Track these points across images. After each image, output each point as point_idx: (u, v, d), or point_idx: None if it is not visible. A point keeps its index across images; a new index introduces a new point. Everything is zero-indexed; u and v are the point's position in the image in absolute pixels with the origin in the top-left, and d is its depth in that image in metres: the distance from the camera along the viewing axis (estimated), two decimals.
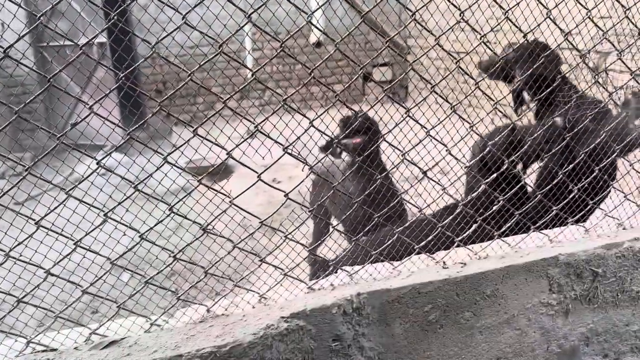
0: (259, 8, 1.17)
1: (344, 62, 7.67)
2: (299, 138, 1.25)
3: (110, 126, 1.30)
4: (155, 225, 1.27)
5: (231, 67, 1.48)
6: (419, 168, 1.31)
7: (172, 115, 1.23)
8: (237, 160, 1.29)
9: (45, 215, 1.07)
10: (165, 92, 7.53)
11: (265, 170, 1.26)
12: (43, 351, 1.08)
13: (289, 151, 1.23)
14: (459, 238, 1.41)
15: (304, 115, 1.26)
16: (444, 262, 1.38)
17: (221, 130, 1.35)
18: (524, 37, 1.41)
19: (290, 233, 1.24)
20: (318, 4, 1.35)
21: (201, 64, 1.29)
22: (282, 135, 1.26)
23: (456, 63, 1.32)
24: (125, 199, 1.17)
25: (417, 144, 1.35)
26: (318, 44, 3.09)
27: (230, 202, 1.28)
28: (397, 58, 7.97)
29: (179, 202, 1.22)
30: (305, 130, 1.23)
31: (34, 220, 1.11)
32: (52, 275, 1.05)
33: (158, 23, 1.43)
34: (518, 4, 1.40)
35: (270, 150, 1.36)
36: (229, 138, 1.29)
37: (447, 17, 1.33)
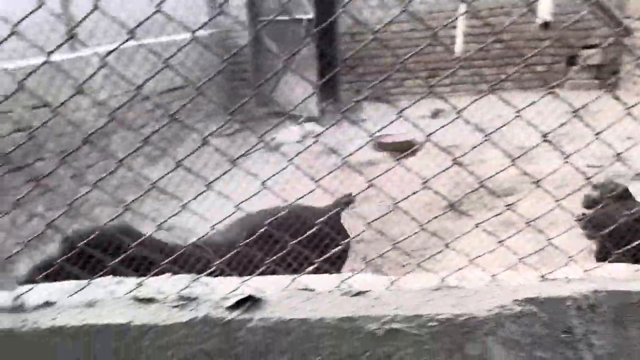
0: None
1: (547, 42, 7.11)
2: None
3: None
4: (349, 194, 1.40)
5: (433, 47, 1.49)
6: None
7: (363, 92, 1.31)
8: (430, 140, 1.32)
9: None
10: (360, 69, 7.83)
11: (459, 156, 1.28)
12: (303, 289, 1.29)
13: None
14: None
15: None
16: None
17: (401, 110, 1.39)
18: None
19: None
20: None
21: (414, 52, 1.33)
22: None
23: None
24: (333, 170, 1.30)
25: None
26: (546, 25, 2.92)
27: (423, 183, 1.33)
28: (610, 39, 7.11)
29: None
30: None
31: (254, 174, 1.29)
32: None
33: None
34: None
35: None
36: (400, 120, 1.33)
37: None
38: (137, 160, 5.24)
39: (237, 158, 1.27)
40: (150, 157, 5.20)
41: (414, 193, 1.35)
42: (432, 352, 1.18)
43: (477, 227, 1.39)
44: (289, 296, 1.27)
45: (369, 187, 1.30)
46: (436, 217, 1.62)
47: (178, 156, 6.15)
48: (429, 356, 1.18)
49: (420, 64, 7.68)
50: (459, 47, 4.56)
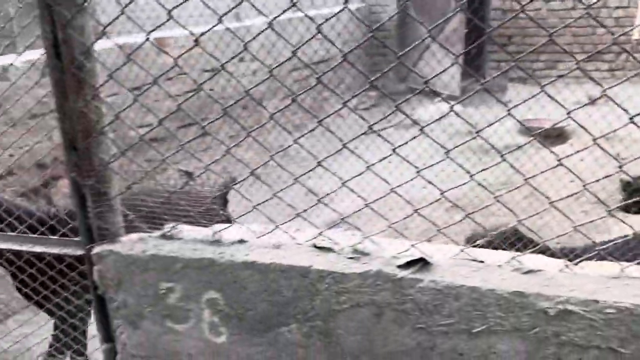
0: None
1: None
2: None
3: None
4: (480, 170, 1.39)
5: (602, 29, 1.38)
6: None
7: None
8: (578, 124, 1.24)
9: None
10: (512, 47, 7.43)
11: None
12: (472, 260, 1.33)
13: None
14: None
15: None
16: None
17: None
18: None
19: None
20: None
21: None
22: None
23: None
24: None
25: None
26: None
27: (558, 162, 1.25)
28: None
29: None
30: None
31: (393, 146, 1.33)
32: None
33: None
34: None
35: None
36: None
37: None
38: (286, 127, 5.58)
39: (374, 124, 1.33)
40: (294, 125, 5.50)
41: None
42: (604, 338, 1.16)
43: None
44: (458, 264, 1.32)
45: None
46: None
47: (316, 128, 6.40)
48: (600, 341, 1.17)
49: (576, 46, 7.09)
50: (638, 31, 4.13)
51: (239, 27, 4.54)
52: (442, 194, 1.35)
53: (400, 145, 1.36)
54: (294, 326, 1.39)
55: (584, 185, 1.26)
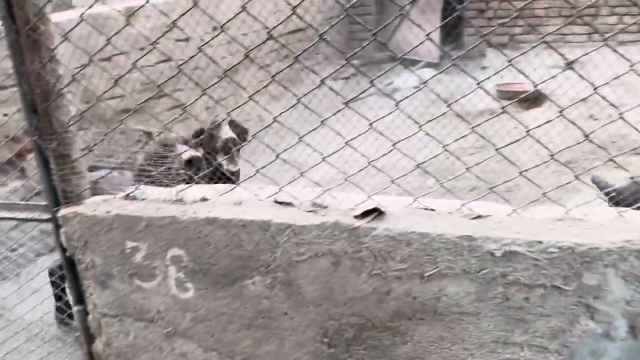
0: None
1: None
2: None
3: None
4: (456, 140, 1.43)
5: None
6: None
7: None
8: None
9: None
10: (489, 12, 7.41)
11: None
12: (425, 209, 1.38)
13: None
14: None
15: None
16: None
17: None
18: None
19: None
20: None
21: None
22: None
23: None
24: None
25: None
26: None
27: (527, 132, 1.32)
28: None
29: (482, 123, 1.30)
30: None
31: (369, 121, 1.37)
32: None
33: None
34: None
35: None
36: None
37: None
38: (263, 97, 5.56)
39: (349, 100, 1.37)
40: (272, 95, 5.48)
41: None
42: (548, 277, 1.22)
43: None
44: (411, 213, 1.37)
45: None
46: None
47: (298, 93, 6.40)
48: (544, 280, 1.23)
49: (554, 10, 7.09)
50: None
51: None
52: (417, 165, 1.40)
53: (375, 120, 1.39)
54: (257, 278, 1.44)
55: (551, 156, 1.31)
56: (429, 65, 6.99)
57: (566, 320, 1.26)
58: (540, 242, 1.22)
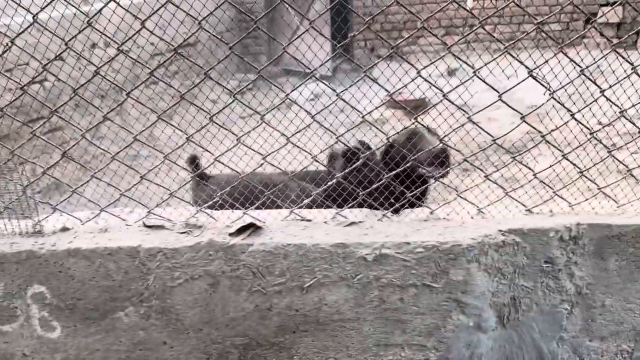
0: None
1: None
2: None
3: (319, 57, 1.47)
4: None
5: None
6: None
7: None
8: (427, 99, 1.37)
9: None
10: (376, 25, 7.72)
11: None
12: (302, 220, 1.37)
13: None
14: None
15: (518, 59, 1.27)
16: None
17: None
18: None
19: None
20: None
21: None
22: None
23: None
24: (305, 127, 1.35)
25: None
26: None
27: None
28: None
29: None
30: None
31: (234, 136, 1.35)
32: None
33: None
34: None
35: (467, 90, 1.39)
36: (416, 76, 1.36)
37: None
38: (152, 116, 5.34)
39: (262, 114, 1.34)
40: (164, 113, 5.27)
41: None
42: (418, 276, 1.27)
43: (485, 180, 1.40)
44: (288, 225, 1.36)
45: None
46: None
47: (191, 111, 6.23)
48: (415, 279, 1.27)
49: (434, 21, 7.55)
50: (470, 0, 4.50)
51: (91, 10, 4.23)
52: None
53: (292, 136, 1.34)
54: (130, 309, 1.35)
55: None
56: (322, 77, 7.13)
57: (440, 317, 1.31)
58: (408, 244, 1.26)
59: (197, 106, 1.31)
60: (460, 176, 3.89)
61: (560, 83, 1.30)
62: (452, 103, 1.31)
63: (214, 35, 1.30)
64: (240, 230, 1.32)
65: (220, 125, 1.33)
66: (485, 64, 1.28)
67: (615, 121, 1.38)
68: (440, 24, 7.58)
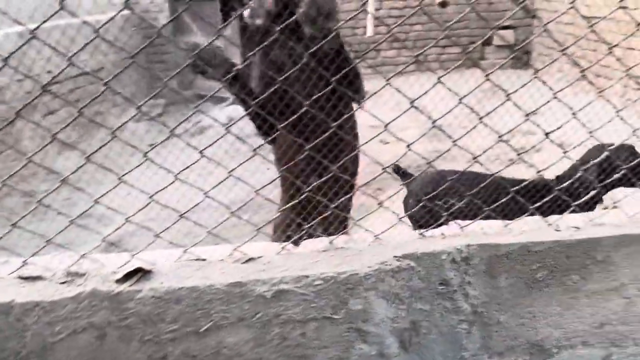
0: None
1: (462, 23, 7.41)
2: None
3: None
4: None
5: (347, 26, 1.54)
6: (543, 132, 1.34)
7: None
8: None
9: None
10: None
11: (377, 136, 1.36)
12: (196, 260, 1.31)
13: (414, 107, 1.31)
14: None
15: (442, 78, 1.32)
16: (557, 225, 1.41)
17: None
18: None
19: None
20: None
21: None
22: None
23: (590, 27, 1.31)
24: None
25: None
26: (443, 4, 3.06)
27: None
28: (523, 21, 7.54)
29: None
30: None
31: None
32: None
33: None
34: None
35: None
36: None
37: None
38: (53, 148, 5.00)
39: (149, 150, 1.26)
40: (66, 144, 4.96)
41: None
42: (318, 309, 1.24)
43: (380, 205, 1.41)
44: (180, 266, 1.29)
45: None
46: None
47: (94, 143, 5.92)
48: (315, 313, 1.25)
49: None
50: (369, 29, 4.68)
51: None
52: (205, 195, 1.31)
53: (179, 172, 1.26)
54: None
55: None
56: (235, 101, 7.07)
57: (342, 348, 1.29)
58: (307, 277, 1.23)
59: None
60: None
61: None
62: None
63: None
64: (128, 276, 1.23)
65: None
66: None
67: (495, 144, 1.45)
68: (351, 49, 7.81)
